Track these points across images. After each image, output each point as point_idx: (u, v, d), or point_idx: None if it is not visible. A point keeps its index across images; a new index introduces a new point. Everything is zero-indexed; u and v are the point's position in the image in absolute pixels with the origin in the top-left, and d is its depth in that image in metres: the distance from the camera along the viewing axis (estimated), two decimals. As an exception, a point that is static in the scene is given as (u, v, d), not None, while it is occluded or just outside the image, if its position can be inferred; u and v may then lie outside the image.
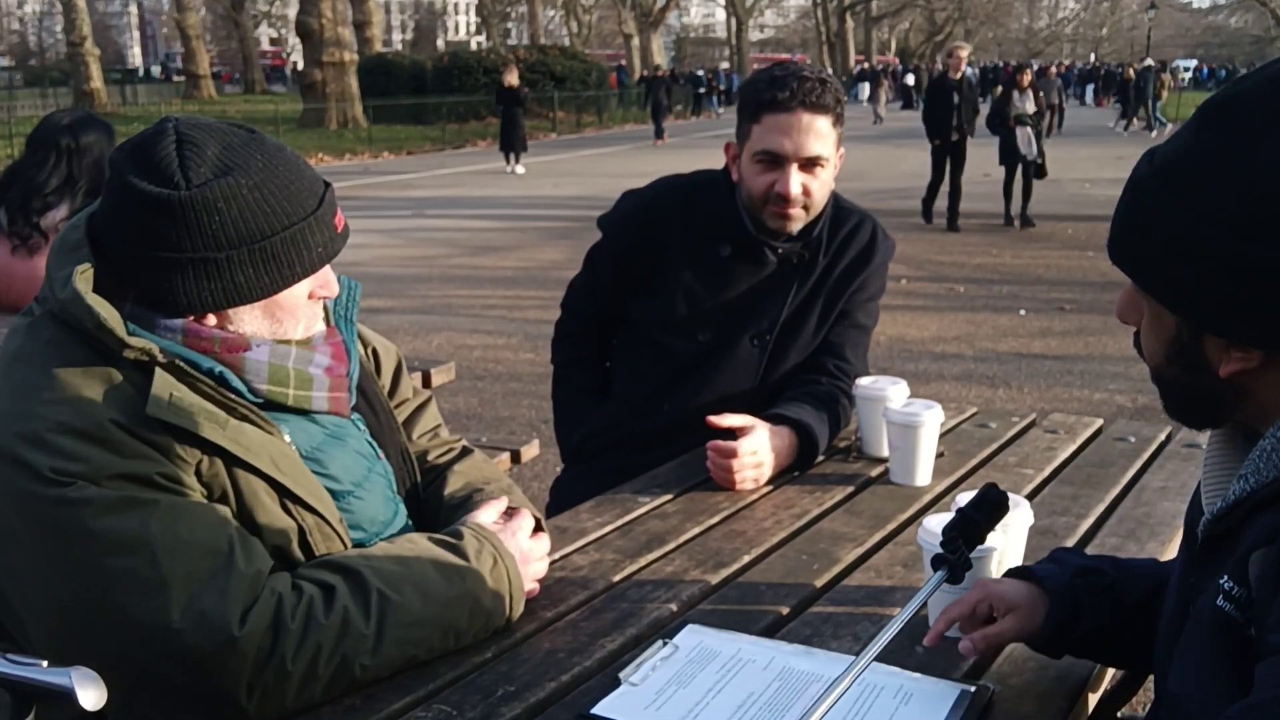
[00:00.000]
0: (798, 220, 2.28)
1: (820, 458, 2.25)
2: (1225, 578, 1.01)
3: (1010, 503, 1.63)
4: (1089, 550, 1.82)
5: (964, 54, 12.60)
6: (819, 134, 2.20)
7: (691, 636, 1.50)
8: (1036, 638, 1.34)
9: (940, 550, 1.25)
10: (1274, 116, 0.93)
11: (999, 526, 1.55)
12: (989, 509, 1.22)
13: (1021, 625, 1.32)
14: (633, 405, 2.42)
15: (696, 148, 23.43)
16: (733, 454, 2.06)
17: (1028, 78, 12.52)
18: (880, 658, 1.44)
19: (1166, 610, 1.19)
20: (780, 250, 2.32)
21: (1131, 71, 30.72)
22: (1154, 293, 1.03)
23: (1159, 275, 1.01)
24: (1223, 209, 0.94)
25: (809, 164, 2.22)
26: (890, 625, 1.11)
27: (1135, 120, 28.66)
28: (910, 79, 47.11)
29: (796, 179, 2.21)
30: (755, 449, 2.08)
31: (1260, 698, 0.91)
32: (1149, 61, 35.23)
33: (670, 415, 2.36)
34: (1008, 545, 1.58)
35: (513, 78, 19.29)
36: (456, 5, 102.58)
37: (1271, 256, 0.92)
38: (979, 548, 1.51)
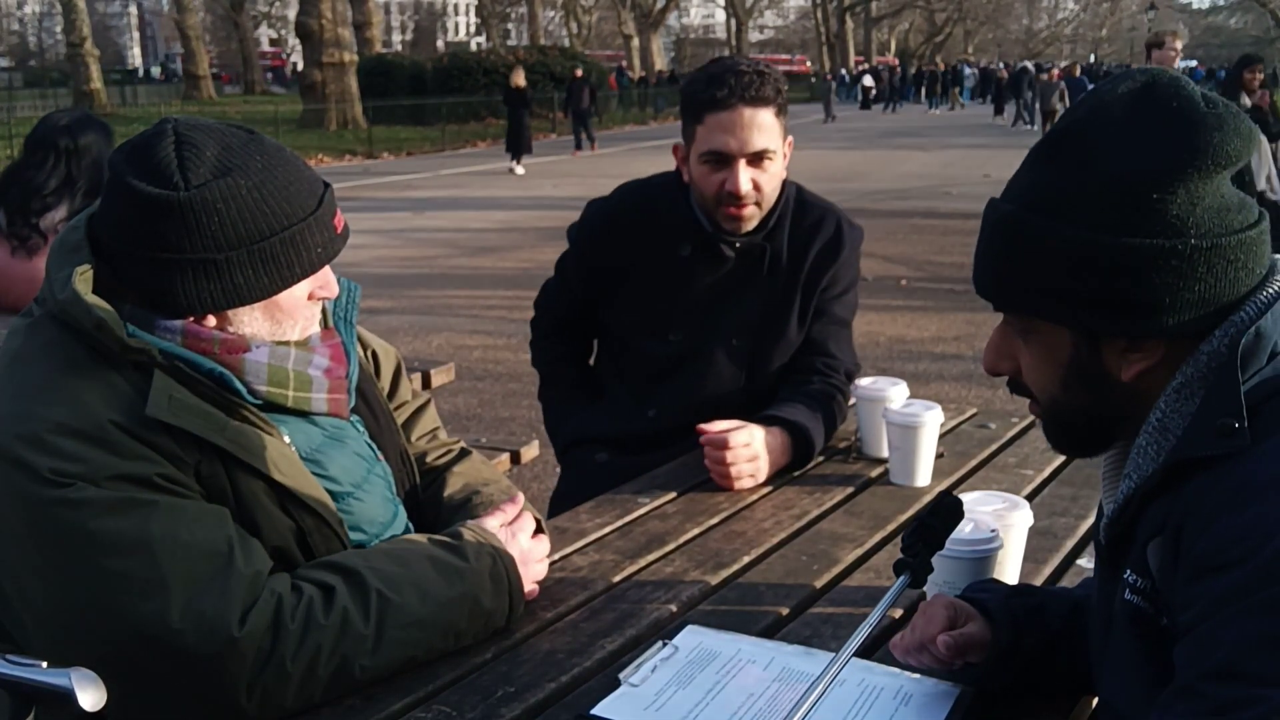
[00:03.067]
0: (752, 218, 2.28)
1: (819, 457, 2.25)
2: (1128, 571, 1.07)
3: (1009, 501, 1.64)
4: (1088, 550, 1.82)
5: (1178, 44, 8.62)
6: (762, 127, 2.19)
7: (691, 637, 1.50)
8: (981, 662, 1.33)
9: (901, 557, 1.27)
10: (1110, 134, 1.05)
11: (1002, 530, 1.56)
12: (945, 515, 1.26)
13: (983, 633, 1.33)
14: (621, 407, 2.43)
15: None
16: (724, 445, 2.06)
17: (1258, 77, 8.71)
18: (881, 658, 1.46)
19: (1093, 625, 1.23)
20: (739, 245, 2.32)
21: (1005, 72, 36.03)
22: (1050, 315, 1.09)
23: (1052, 298, 1.08)
24: (1098, 216, 1.03)
25: (756, 158, 2.21)
26: (860, 630, 1.14)
27: (1003, 115, 32.42)
28: (868, 80, 48.32)
29: (745, 175, 2.21)
30: (748, 441, 2.08)
31: (1185, 679, 0.95)
32: (1026, 64, 40.42)
33: (657, 420, 2.37)
34: (1009, 545, 1.58)
35: (519, 79, 19.56)
36: (456, 6, 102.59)
37: (1150, 244, 1.01)
38: (982, 547, 1.52)
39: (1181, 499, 1.01)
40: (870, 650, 1.50)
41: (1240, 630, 0.91)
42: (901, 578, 1.23)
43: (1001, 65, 48.58)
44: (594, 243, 2.41)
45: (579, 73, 25.29)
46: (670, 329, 2.36)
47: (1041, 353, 1.13)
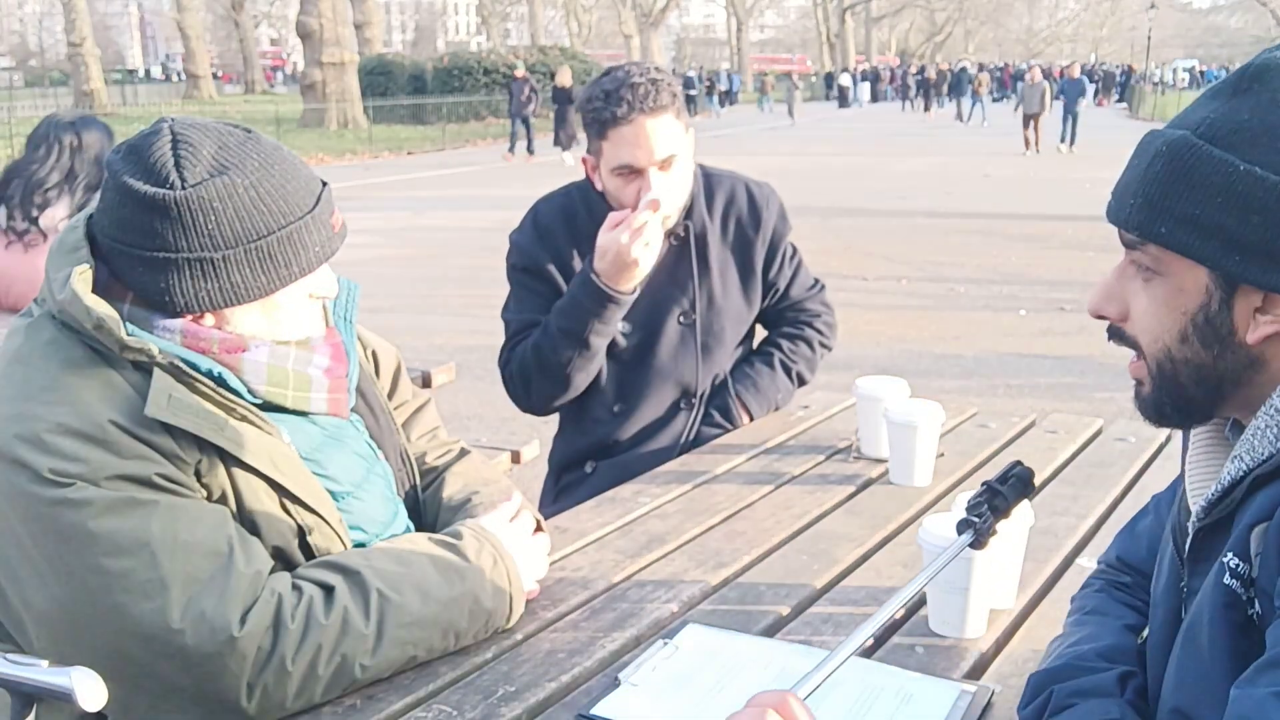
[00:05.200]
0: (669, 215, 2.32)
1: (819, 456, 2.27)
2: (1229, 555, 1.01)
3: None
4: (1088, 550, 1.82)
5: None
6: (665, 134, 2.23)
7: (692, 636, 1.50)
8: None
9: (965, 516, 1.26)
10: None
11: (1002, 530, 1.55)
12: (1015, 484, 1.25)
13: None
14: (589, 417, 2.44)
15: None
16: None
17: None
18: (881, 658, 1.46)
19: (1154, 627, 1.18)
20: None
21: (933, 72, 41.27)
22: (1195, 252, 1.03)
23: (1203, 232, 1.02)
24: (1276, 156, 0.98)
25: (665, 163, 2.25)
26: (915, 580, 1.14)
27: (962, 113, 34.40)
28: (844, 79, 49.40)
29: (658, 181, 2.25)
30: None
31: (1274, 653, 0.91)
32: (964, 63, 44.70)
33: (624, 415, 2.41)
34: (1009, 545, 1.58)
35: (565, 78, 20.19)
36: (456, 5, 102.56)
37: None
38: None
39: None
40: (871, 650, 1.51)
41: None
42: (964, 535, 1.22)
43: (933, 66, 51.56)
44: (538, 262, 2.38)
45: (519, 73, 23.11)
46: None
47: (1166, 297, 1.07)
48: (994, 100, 51.26)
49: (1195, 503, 1.09)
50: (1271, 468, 0.99)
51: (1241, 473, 1.02)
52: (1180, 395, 1.10)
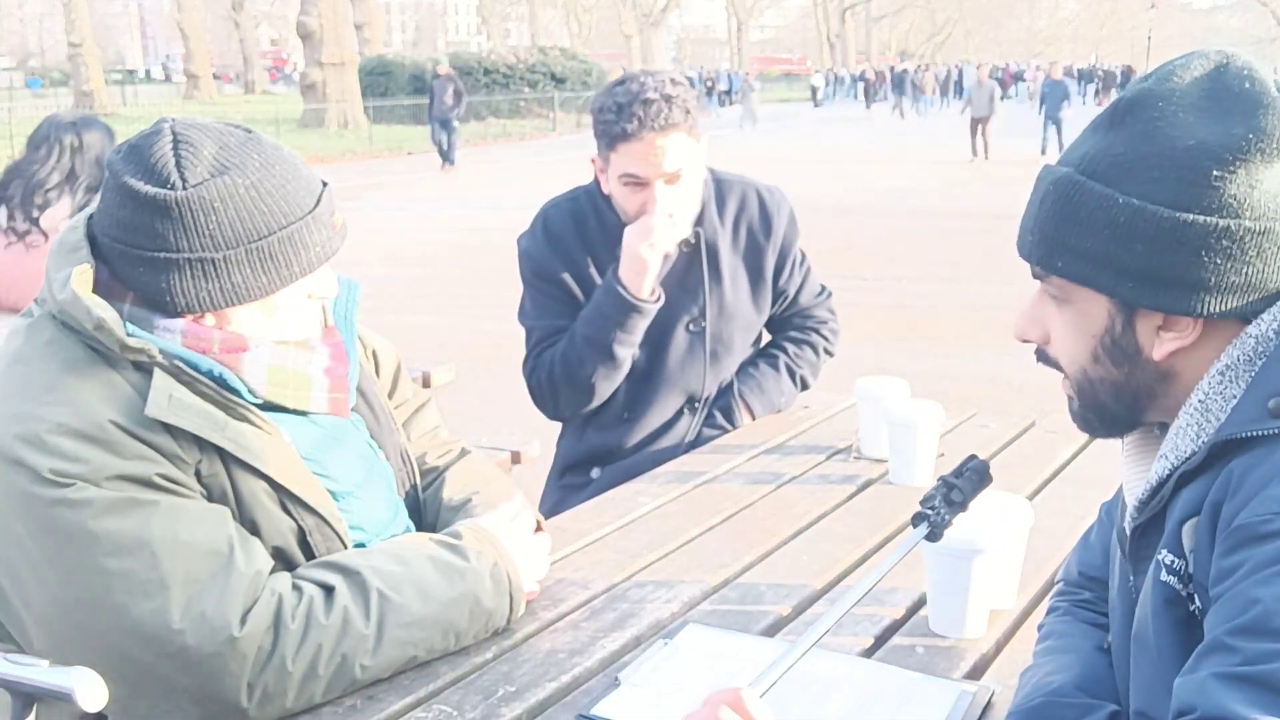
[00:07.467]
0: (684, 229, 2.32)
1: (819, 455, 2.27)
2: (1163, 552, 1.05)
3: (1009, 500, 1.64)
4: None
5: None
6: (674, 151, 2.21)
7: (692, 637, 1.50)
8: None
9: (920, 510, 1.27)
10: (1178, 105, 1.05)
11: (1002, 530, 1.55)
12: (970, 476, 1.26)
13: None
14: (597, 420, 2.44)
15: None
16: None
17: None
18: (881, 658, 1.46)
19: (1114, 632, 1.20)
20: None
21: (872, 73, 47.16)
22: (1090, 282, 1.08)
23: (1095, 264, 1.06)
24: (1155, 187, 1.03)
25: (672, 177, 2.24)
26: (871, 575, 1.16)
27: (902, 110, 37.54)
28: (816, 79, 51.22)
29: (664, 194, 2.24)
30: None
31: (1215, 636, 0.93)
32: (906, 66, 49.84)
33: (632, 421, 2.41)
34: (1009, 545, 1.58)
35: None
36: (457, 5, 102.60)
37: (1203, 221, 1.01)
38: (960, 548, 1.50)
39: (1220, 480, 1.00)
40: (872, 650, 1.51)
41: (1279, 589, 0.89)
42: (919, 528, 1.22)
43: (872, 68, 56.59)
44: (552, 269, 2.38)
45: (441, 69, 20.87)
46: None
47: (1075, 322, 1.11)
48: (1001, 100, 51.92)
49: (1130, 503, 1.13)
50: (1194, 464, 1.03)
51: (1167, 471, 1.06)
52: (1103, 410, 1.14)
